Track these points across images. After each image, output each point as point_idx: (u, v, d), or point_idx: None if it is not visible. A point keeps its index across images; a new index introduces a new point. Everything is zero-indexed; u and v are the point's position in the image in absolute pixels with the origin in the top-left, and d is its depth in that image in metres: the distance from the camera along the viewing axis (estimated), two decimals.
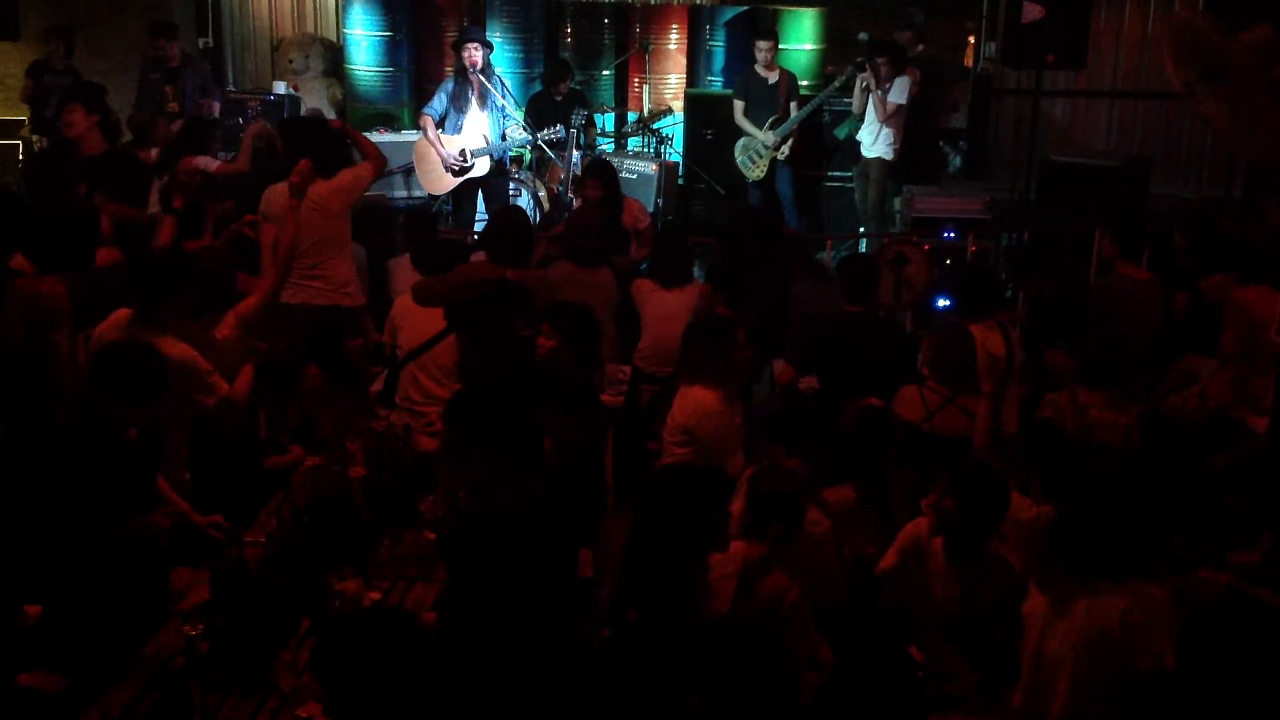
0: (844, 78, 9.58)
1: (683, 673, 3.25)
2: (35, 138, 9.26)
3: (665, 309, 6.16)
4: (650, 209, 9.57)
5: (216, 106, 9.48)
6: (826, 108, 9.95)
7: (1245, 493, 4.33)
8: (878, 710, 3.92)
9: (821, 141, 10.12)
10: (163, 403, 4.12)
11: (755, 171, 9.63)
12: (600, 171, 7.50)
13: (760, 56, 9.58)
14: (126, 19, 10.24)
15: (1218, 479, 4.67)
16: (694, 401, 4.93)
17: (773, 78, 9.61)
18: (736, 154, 9.68)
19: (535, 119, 9.32)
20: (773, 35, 9.70)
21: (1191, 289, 6.32)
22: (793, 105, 9.61)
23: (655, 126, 10.00)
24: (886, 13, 10.59)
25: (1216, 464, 4.88)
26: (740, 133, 9.67)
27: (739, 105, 9.65)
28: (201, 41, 10.72)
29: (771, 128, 9.52)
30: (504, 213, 6.80)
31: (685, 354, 5.28)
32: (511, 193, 9.46)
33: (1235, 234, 6.87)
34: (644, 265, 6.95)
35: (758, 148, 9.60)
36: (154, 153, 7.49)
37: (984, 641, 4.04)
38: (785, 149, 9.59)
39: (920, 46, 10.02)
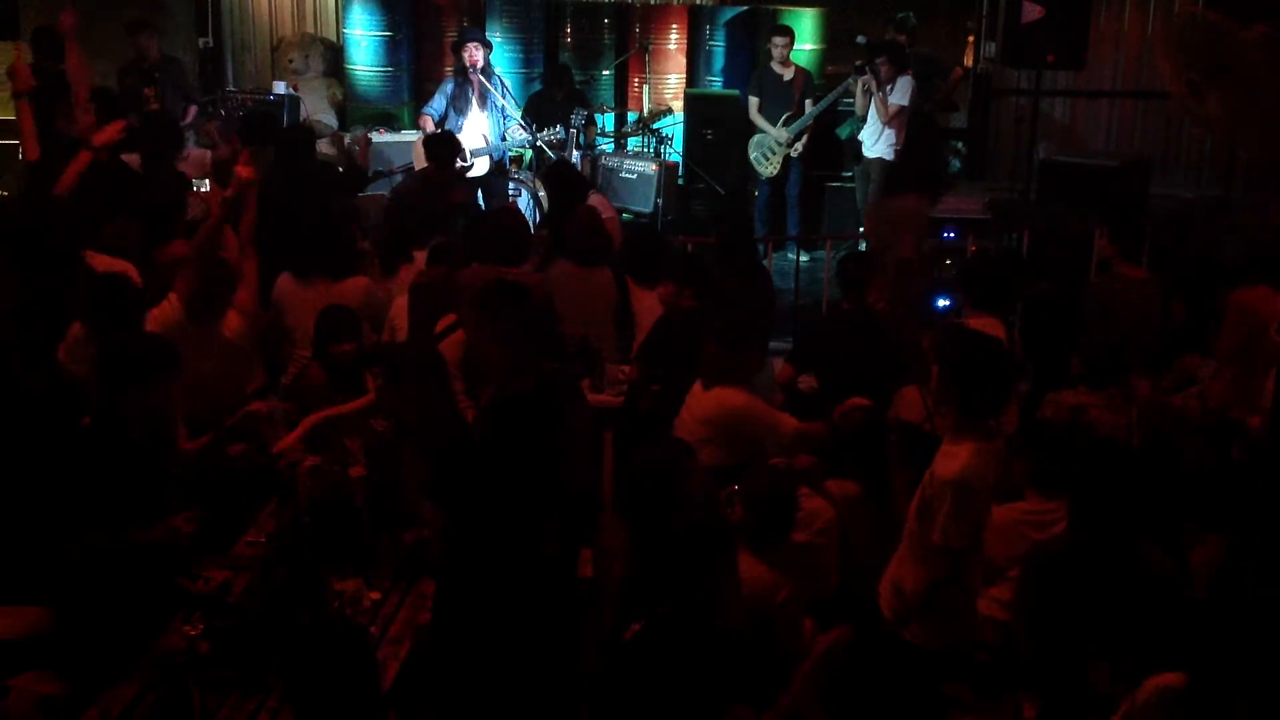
0: (850, 81, 9.56)
1: (712, 669, 3.23)
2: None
3: (655, 306, 6.13)
4: (650, 209, 9.59)
5: (192, 111, 9.36)
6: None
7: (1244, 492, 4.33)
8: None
9: (837, 142, 10.11)
10: (167, 387, 4.12)
11: (768, 168, 9.62)
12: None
13: (776, 53, 9.59)
14: (126, 19, 10.21)
15: (1218, 478, 4.67)
16: (716, 402, 4.76)
17: (788, 74, 9.62)
18: (750, 151, 9.66)
19: (535, 119, 9.32)
20: (788, 32, 9.70)
21: (1192, 290, 6.31)
22: (807, 102, 9.61)
23: (655, 126, 9.98)
24: (885, 13, 10.57)
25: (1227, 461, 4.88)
26: (742, 133, 9.65)
27: (754, 102, 9.64)
28: (202, 41, 10.70)
29: (785, 124, 9.53)
30: (498, 214, 6.77)
31: (701, 356, 5.12)
32: (511, 193, 9.46)
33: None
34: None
35: (771, 144, 9.59)
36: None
37: None
38: (799, 146, 9.59)
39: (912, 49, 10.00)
